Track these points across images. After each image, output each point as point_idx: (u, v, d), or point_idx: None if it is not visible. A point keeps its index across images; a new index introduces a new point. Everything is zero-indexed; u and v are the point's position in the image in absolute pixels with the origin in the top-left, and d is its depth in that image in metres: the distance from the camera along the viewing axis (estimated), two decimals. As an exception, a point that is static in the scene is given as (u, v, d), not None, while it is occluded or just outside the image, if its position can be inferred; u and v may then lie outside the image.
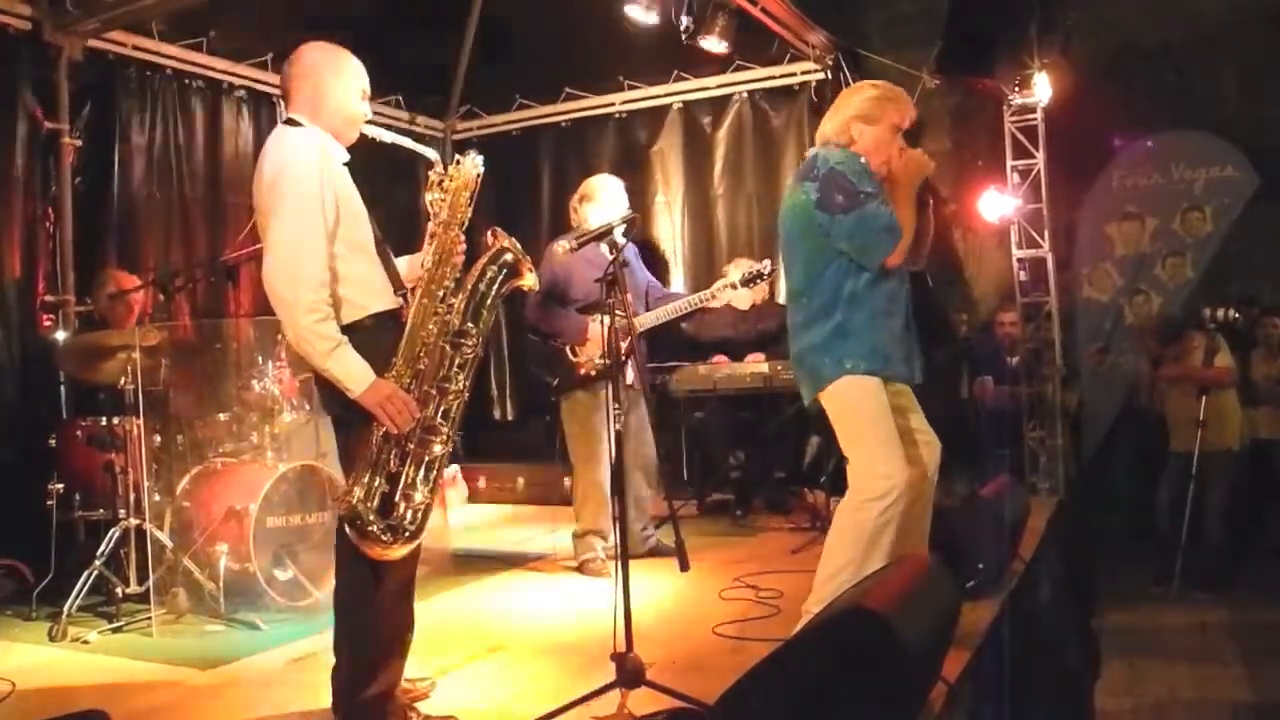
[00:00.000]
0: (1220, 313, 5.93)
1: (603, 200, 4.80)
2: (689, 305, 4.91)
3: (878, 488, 3.10)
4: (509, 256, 2.94)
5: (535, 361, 4.97)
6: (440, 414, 2.76)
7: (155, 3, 5.32)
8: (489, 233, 2.98)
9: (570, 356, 4.77)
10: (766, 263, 4.95)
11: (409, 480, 2.70)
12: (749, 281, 4.90)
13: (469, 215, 2.92)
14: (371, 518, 2.64)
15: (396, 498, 2.68)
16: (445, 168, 2.93)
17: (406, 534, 2.68)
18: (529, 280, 3.00)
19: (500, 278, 2.92)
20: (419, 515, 2.69)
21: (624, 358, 4.54)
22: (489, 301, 2.88)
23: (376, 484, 2.67)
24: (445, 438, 2.76)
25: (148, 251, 5.91)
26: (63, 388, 5.14)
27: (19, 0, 5.32)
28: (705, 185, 7.44)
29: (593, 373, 4.67)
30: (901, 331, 3.32)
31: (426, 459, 2.73)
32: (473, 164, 2.94)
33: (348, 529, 2.66)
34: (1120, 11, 6.71)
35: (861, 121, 3.31)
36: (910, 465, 3.21)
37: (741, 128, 7.29)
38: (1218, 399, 6.01)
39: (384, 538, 2.64)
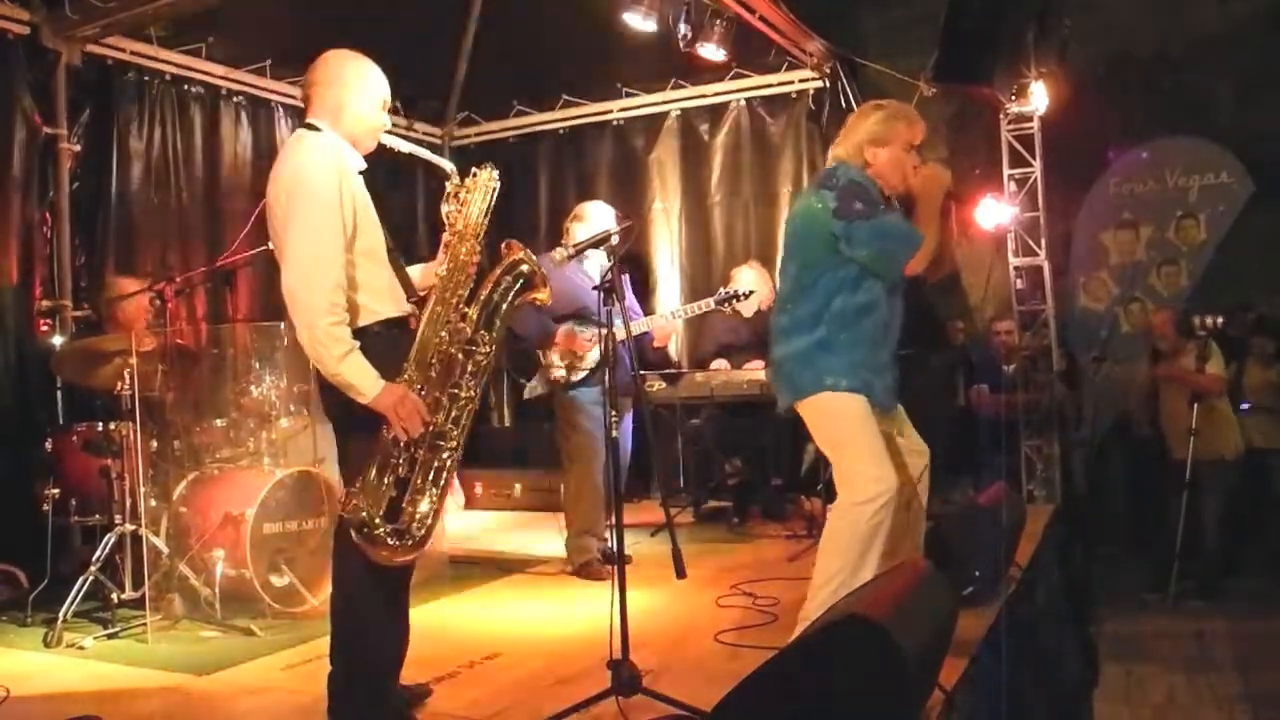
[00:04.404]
0: (1209, 320, 5.95)
1: (593, 224, 4.84)
2: (651, 322, 5.17)
3: (868, 490, 3.09)
4: (525, 268, 2.95)
5: (507, 358, 5.08)
6: (451, 420, 2.76)
7: (154, 8, 5.30)
8: (504, 245, 2.99)
9: (540, 361, 4.86)
10: (752, 294, 5.12)
11: (417, 486, 2.69)
12: (724, 301, 5.22)
13: (484, 226, 2.94)
14: (378, 522, 2.63)
15: (404, 503, 2.67)
16: (462, 179, 2.95)
17: (412, 540, 2.67)
18: (543, 295, 3.00)
19: (515, 288, 2.93)
20: (427, 522, 2.68)
21: (604, 367, 4.65)
22: (502, 310, 2.89)
23: (384, 489, 2.66)
24: (456, 444, 2.76)
25: (145, 257, 5.89)
26: (59, 393, 5.14)
27: (17, 5, 5.32)
28: (702, 192, 7.44)
29: (560, 379, 4.82)
30: (887, 361, 3.32)
31: (435, 465, 2.72)
32: (489, 177, 2.96)
33: (354, 534, 2.64)
34: (1116, 20, 6.74)
35: (874, 144, 3.28)
36: (898, 472, 3.21)
37: (739, 135, 7.30)
38: (1213, 407, 6.01)
39: (390, 541, 2.64)
